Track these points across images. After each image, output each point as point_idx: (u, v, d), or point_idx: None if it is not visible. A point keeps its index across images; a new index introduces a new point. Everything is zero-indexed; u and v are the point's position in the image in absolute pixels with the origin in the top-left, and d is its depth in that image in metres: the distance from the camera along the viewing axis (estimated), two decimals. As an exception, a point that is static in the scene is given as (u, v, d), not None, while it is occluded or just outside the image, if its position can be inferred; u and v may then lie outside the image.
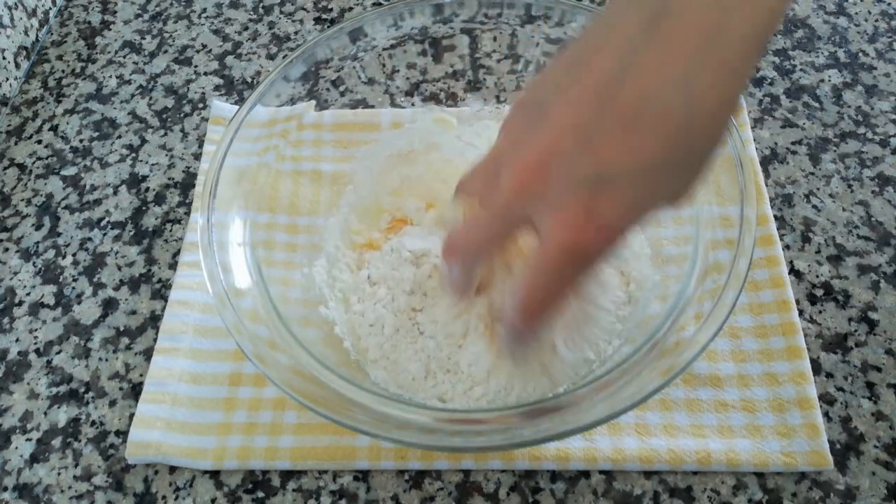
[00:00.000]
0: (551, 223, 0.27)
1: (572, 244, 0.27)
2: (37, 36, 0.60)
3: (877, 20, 0.57)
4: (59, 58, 0.60)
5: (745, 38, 0.25)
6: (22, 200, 0.51)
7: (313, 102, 0.46)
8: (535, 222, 0.28)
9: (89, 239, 0.49)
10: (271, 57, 0.58)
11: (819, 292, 0.43)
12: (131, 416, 0.40)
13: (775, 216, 0.46)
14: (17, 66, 0.58)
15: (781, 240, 0.45)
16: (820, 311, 0.43)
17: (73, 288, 0.46)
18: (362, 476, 0.38)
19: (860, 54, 0.55)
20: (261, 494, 0.38)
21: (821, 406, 0.38)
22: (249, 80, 0.57)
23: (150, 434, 0.39)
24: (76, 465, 0.39)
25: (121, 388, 0.42)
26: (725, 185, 0.38)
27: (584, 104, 0.26)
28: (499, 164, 0.29)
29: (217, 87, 0.56)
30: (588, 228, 0.26)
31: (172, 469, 0.39)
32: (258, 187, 0.42)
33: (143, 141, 0.54)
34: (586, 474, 0.38)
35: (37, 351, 0.44)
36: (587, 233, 0.26)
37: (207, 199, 0.39)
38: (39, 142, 0.54)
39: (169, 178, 0.51)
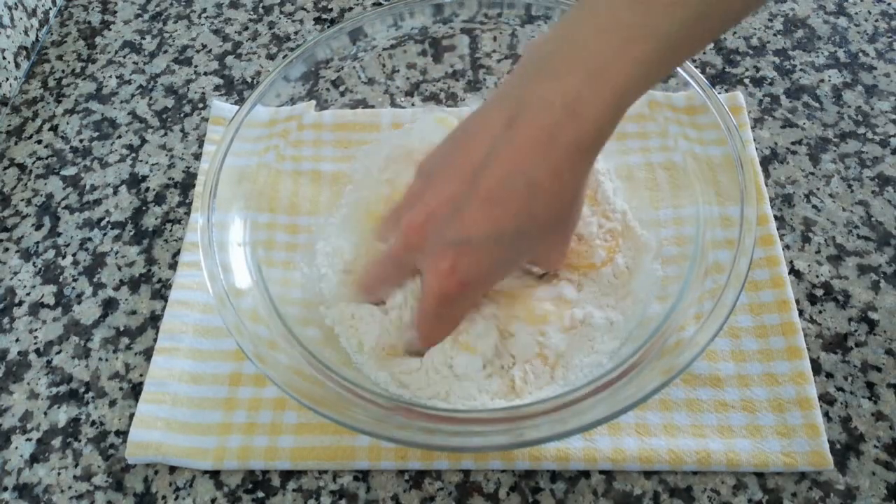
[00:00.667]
0: (426, 273, 0.34)
1: (441, 293, 0.34)
2: (37, 36, 0.60)
3: (877, 20, 0.57)
4: (59, 58, 0.60)
5: (572, 146, 0.31)
6: (22, 200, 0.51)
7: (313, 102, 0.46)
8: (420, 271, 0.35)
9: (89, 239, 0.49)
10: (271, 57, 0.58)
11: (819, 292, 0.43)
12: (131, 416, 0.40)
13: (775, 216, 0.46)
14: (17, 66, 0.58)
15: (781, 240, 0.45)
16: (820, 311, 0.43)
17: (73, 288, 0.46)
18: (362, 476, 0.38)
19: (860, 54, 0.55)
20: (261, 494, 0.38)
21: (821, 406, 0.38)
22: (249, 80, 0.57)
23: (150, 434, 0.39)
24: (76, 465, 0.39)
25: (121, 388, 0.42)
26: (725, 185, 0.38)
27: (458, 182, 0.33)
28: (397, 215, 0.37)
29: (217, 87, 0.56)
30: (452, 281, 0.33)
31: (172, 469, 0.39)
32: (258, 187, 0.42)
33: (143, 141, 0.54)
34: (586, 474, 0.38)
35: (37, 351, 0.44)
36: (451, 285, 0.33)
37: (207, 199, 0.39)
38: (39, 142, 0.54)
39: (169, 178, 0.51)
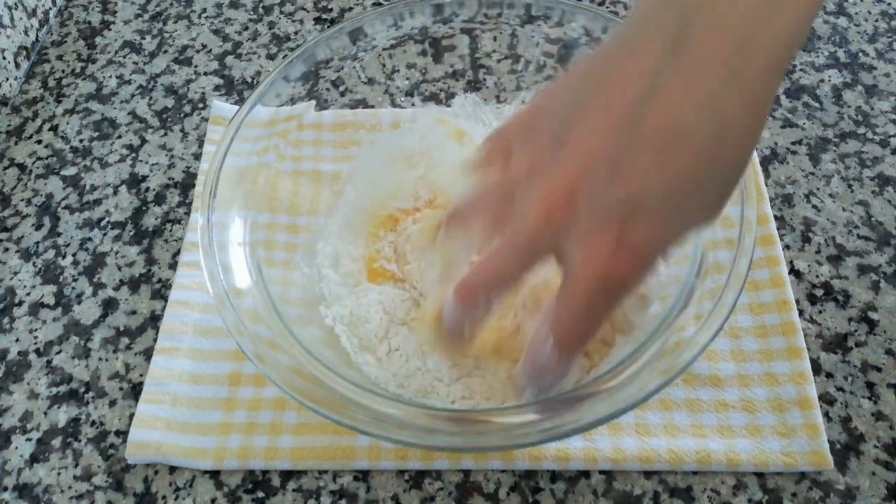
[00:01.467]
0: (581, 255, 0.26)
1: (605, 275, 0.26)
2: (37, 36, 0.60)
3: (877, 20, 0.57)
4: (59, 58, 0.60)
5: (768, 58, 0.24)
6: (22, 200, 0.51)
7: (313, 102, 0.46)
8: (561, 254, 0.27)
9: (89, 239, 0.49)
10: (271, 57, 0.58)
11: (819, 292, 0.43)
12: (131, 416, 0.40)
13: (775, 216, 0.46)
14: (17, 66, 0.58)
15: (781, 240, 0.45)
16: (820, 311, 0.43)
17: (73, 288, 0.46)
18: (362, 476, 0.38)
19: (860, 54, 0.55)
20: (261, 494, 0.38)
21: (821, 406, 0.38)
22: (249, 80, 0.57)
23: (150, 434, 0.39)
24: (76, 465, 0.39)
25: (121, 388, 0.42)
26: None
27: (610, 130, 0.25)
28: (511, 192, 0.28)
29: (217, 87, 0.56)
30: (620, 258, 0.25)
31: (172, 469, 0.39)
32: (258, 187, 0.42)
33: (143, 141, 0.54)
34: (586, 474, 0.38)
35: (37, 351, 0.44)
36: (620, 262, 0.26)
37: (207, 198, 0.39)
38: (39, 142, 0.54)
39: (169, 178, 0.51)
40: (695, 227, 0.27)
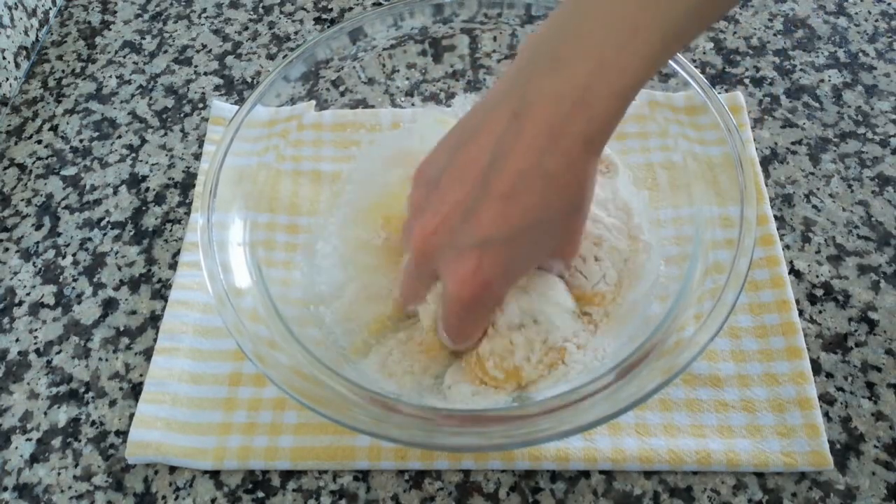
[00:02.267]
0: (447, 280, 0.34)
1: (464, 296, 0.33)
2: (37, 36, 0.60)
3: (877, 20, 0.57)
4: (59, 58, 0.60)
5: (581, 134, 0.31)
6: (22, 200, 0.51)
7: (313, 102, 0.46)
8: (440, 276, 0.35)
9: (89, 239, 0.49)
10: (271, 57, 0.58)
11: (819, 292, 0.43)
12: (131, 416, 0.40)
13: (775, 216, 0.46)
14: (17, 66, 0.58)
15: (781, 240, 0.45)
16: (820, 311, 0.43)
17: (73, 288, 0.46)
18: (362, 476, 0.38)
19: (860, 54, 0.55)
20: (261, 494, 0.38)
21: (821, 406, 0.38)
22: (249, 80, 0.57)
23: (150, 434, 0.39)
24: (76, 465, 0.39)
25: (121, 388, 0.42)
26: (725, 185, 0.38)
27: (468, 183, 0.32)
28: (408, 226, 0.37)
29: (217, 87, 0.56)
30: (475, 283, 0.33)
31: (172, 469, 0.39)
32: (258, 187, 0.42)
33: (143, 141, 0.54)
34: (586, 474, 0.38)
35: (37, 351, 0.44)
36: (475, 287, 0.33)
37: (207, 198, 0.39)
38: (39, 142, 0.54)
39: (169, 178, 0.51)
40: (549, 260, 0.38)
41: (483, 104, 0.34)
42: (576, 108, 0.31)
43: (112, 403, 0.41)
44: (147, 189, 0.51)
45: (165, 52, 0.59)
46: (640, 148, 0.46)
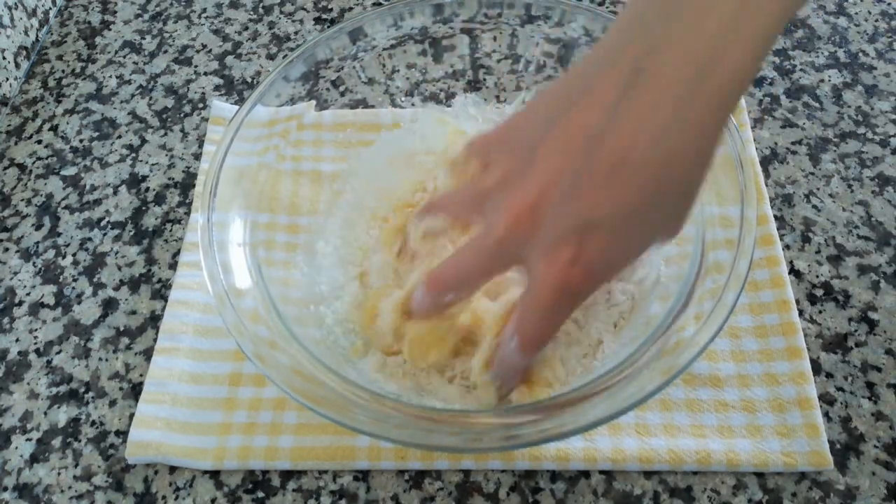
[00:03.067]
0: (542, 266, 0.29)
1: (562, 286, 0.29)
2: (37, 36, 0.60)
3: (877, 20, 0.57)
4: (59, 58, 0.60)
5: (712, 102, 0.26)
6: (22, 200, 0.51)
7: (313, 102, 0.46)
8: (525, 262, 0.30)
9: (89, 239, 0.49)
10: (271, 57, 0.58)
11: (819, 292, 0.43)
12: (131, 416, 0.40)
13: (775, 216, 0.46)
14: (17, 66, 0.58)
15: (781, 240, 0.45)
16: (820, 311, 0.43)
17: (73, 288, 0.46)
18: (362, 476, 0.38)
19: (860, 54, 0.55)
20: (261, 494, 0.38)
21: (821, 406, 0.38)
22: (249, 80, 0.57)
23: (150, 434, 0.39)
24: (76, 465, 0.39)
25: (121, 388, 0.42)
26: (725, 186, 0.38)
27: (572, 154, 0.28)
28: (483, 197, 0.32)
29: (217, 87, 0.56)
30: (576, 271, 0.28)
31: (172, 469, 0.39)
32: (258, 187, 0.42)
33: (143, 141, 0.54)
34: (586, 474, 0.38)
35: (37, 351, 0.44)
36: (576, 275, 0.28)
37: (208, 198, 0.39)
38: (39, 142, 0.54)
39: (169, 178, 0.51)
40: (652, 244, 0.31)
41: (585, 65, 0.29)
42: (708, 66, 0.26)
43: (112, 403, 0.41)
44: (147, 189, 0.51)
45: (165, 52, 0.59)
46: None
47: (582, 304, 0.31)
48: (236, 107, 0.52)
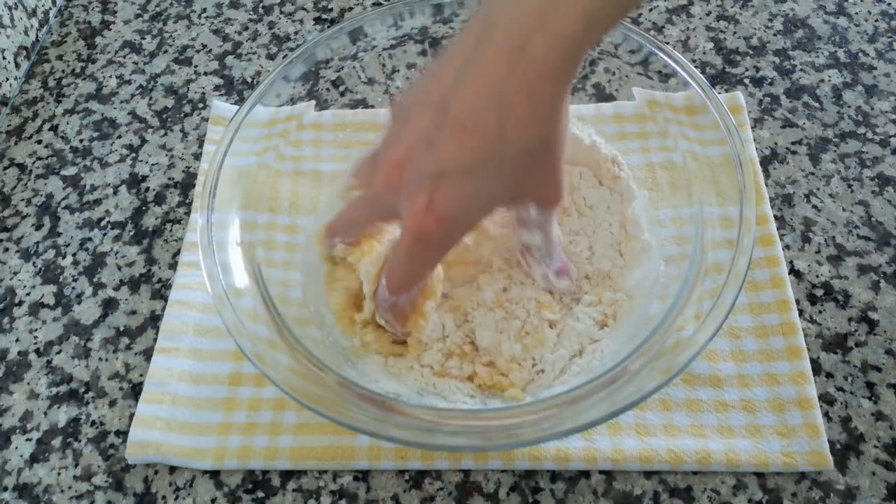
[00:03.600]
0: (405, 211, 0.32)
1: (418, 231, 0.32)
2: (37, 36, 0.60)
3: (877, 20, 0.57)
4: (59, 58, 0.60)
5: (546, 56, 0.29)
6: (22, 200, 0.51)
7: (313, 102, 0.46)
8: (400, 213, 0.33)
9: (89, 239, 0.49)
10: (271, 57, 0.58)
11: (819, 292, 0.43)
12: (131, 416, 0.40)
13: (775, 216, 0.46)
14: (17, 66, 0.58)
15: (781, 240, 0.45)
16: (820, 311, 0.43)
17: (73, 288, 0.46)
18: (362, 476, 0.38)
19: (860, 54, 0.55)
20: (261, 494, 0.38)
21: (821, 406, 0.38)
22: (249, 80, 0.57)
23: (150, 434, 0.39)
24: (76, 465, 0.39)
25: (121, 388, 0.42)
26: (725, 185, 0.38)
27: (430, 113, 0.31)
28: (376, 159, 0.35)
29: (217, 87, 0.57)
30: (429, 217, 0.31)
31: (172, 469, 0.39)
32: (258, 187, 0.42)
33: (143, 141, 0.54)
34: (586, 474, 0.38)
35: (37, 351, 0.44)
36: (429, 221, 0.31)
37: (207, 198, 0.39)
38: (39, 142, 0.54)
39: (169, 178, 0.51)
40: (511, 202, 0.36)
41: (451, 42, 0.33)
42: (534, 28, 0.29)
43: (112, 403, 0.41)
44: (147, 189, 0.51)
45: (165, 52, 0.59)
46: (639, 148, 0.46)
47: (439, 252, 0.34)
48: (236, 107, 0.52)
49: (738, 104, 0.50)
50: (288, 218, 0.44)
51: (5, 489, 0.39)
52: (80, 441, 0.40)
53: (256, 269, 0.39)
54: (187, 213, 0.49)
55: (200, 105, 0.55)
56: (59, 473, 0.39)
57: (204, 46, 0.60)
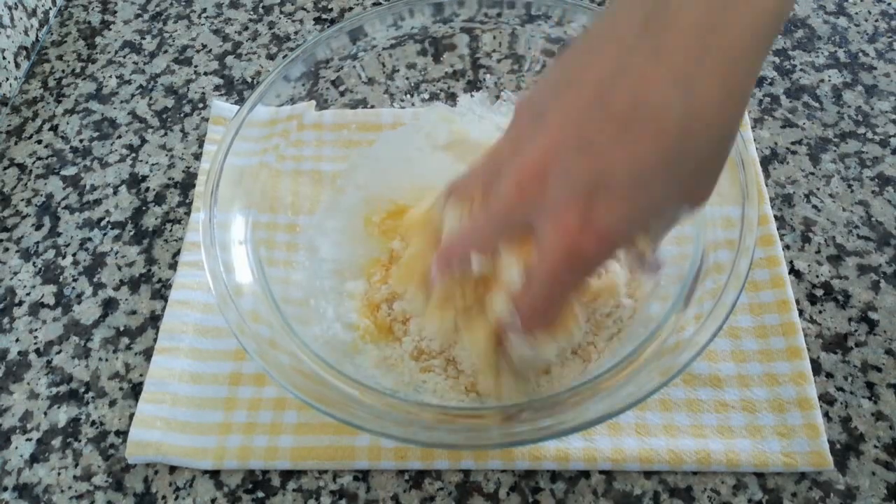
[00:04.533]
0: (549, 229, 0.26)
1: (570, 251, 0.26)
2: (37, 36, 0.60)
3: (877, 20, 0.57)
4: (59, 58, 0.60)
5: (745, 33, 0.24)
6: (22, 200, 0.51)
7: (313, 102, 0.46)
8: (534, 229, 0.27)
9: (89, 239, 0.49)
10: (271, 57, 0.58)
11: (819, 292, 0.43)
12: (131, 415, 0.40)
13: (775, 216, 0.46)
14: (17, 66, 0.58)
15: (781, 240, 0.45)
16: (820, 311, 0.43)
17: (73, 288, 0.46)
18: (362, 476, 0.38)
19: (860, 54, 0.55)
20: (261, 494, 0.38)
21: (821, 406, 0.38)
22: (249, 80, 0.57)
23: (150, 434, 0.39)
24: (76, 465, 0.39)
25: (121, 388, 0.42)
26: (726, 186, 0.38)
27: (581, 108, 0.25)
28: (497, 169, 0.29)
29: (217, 87, 0.56)
30: (586, 235, 0.25)
31: (172, 469, 0.39)
32: (259, 187, 0.42)
33: (143, 141, 0.54)
34: (586, 474, 0.38)
35: (37, 351, 0.44)
36: (585, 240, 0.26)
37: (209, 198, 0.39)
38: (39, 142, 0.54)
39: (169, 178, 0.51)
40: (677, 210, 0.27)
41: (603, 18, 0.27)
42: (729, 1, 0.23)
43: (112, 403, 0.41)
44: (147, 189, 0.51)
45: (165, 52, 0.59)
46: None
47: (589, 274, 0.28)
48: (236, 107, 0.52)
49: (745, 103, 0.50)
50: (289, 217, 0.44)
51: (5, 489, 0.39)
52: (80, 441, 0.40)
53: (259, 269, 0.39)
54: (187, 213, 0.49)
55: (200, 105, 0.55)
56: (59, 473, 0.39)
57: (204, 46, 0.60)
